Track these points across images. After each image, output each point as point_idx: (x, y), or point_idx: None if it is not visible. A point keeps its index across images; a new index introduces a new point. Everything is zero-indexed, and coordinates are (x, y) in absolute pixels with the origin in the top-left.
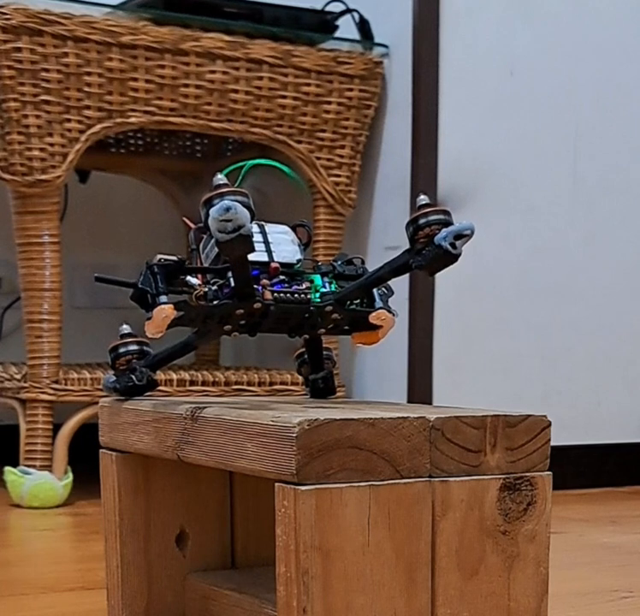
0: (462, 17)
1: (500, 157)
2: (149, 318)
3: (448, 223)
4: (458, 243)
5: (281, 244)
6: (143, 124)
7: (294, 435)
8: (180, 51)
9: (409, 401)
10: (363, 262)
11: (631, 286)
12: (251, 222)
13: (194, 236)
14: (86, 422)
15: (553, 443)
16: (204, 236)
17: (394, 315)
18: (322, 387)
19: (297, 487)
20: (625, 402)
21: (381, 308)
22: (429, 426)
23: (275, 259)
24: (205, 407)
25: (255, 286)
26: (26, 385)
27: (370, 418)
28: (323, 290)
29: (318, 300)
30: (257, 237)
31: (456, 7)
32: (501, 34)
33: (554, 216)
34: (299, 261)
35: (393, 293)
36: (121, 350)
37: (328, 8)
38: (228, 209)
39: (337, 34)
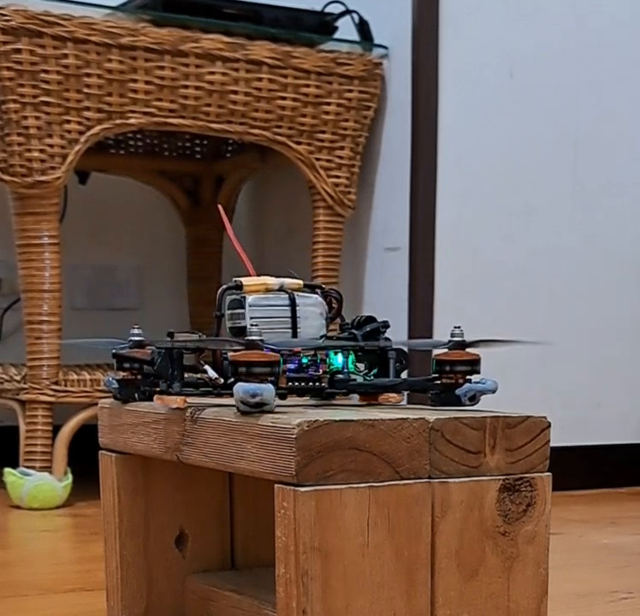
0: (462, 17)
1: (500, 158)
2: (160, 393)
3: (474, 373)
4: (477, 394)
5: (308, 318)
6: (142, 125)
7: (294, 436)
8: (180, 52)
9: (409, 402)
10: (386, 326)
11: (630, 286)
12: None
13: (219, 298)
14: (86, 423)
15: (552, 444)
16: (231, 296)
17: (402, 395)
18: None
19: (296, 488)
20: (625, 402)
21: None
22: (429, 427)
23: (300, 336)
24: (205, 408)
25: None
26: (25, 386)
27: (370, 420)
28: (339, 376)
29: (332, 387)
30: (285, 311)
31: (456, 7)
32: (501, 35)
33: (554, 217)
34: (322, 337)
35: (407, 367)
36: (126, 365)
37: (327, 10)
38: (254, 395)
39: (337, 35)
